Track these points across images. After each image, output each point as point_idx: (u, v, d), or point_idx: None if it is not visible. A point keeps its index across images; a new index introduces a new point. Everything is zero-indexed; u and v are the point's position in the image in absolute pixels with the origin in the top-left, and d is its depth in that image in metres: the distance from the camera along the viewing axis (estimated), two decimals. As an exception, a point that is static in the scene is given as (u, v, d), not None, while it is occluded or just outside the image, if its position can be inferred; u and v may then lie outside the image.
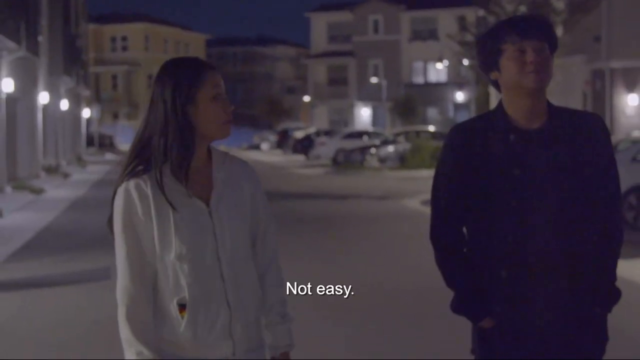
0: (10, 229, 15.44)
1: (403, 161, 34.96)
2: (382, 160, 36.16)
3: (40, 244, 13.77)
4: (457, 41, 38.07)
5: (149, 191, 2.75)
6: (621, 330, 5.88)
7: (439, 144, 35.28)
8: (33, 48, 26.90)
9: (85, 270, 10.98)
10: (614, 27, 31.26)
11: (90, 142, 58.06)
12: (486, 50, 3.09)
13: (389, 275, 10.51)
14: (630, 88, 31.65)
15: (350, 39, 65.34)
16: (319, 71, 67.41)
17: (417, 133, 40.21)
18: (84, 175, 32.85)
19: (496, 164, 3.04)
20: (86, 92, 54.62)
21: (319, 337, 7.29)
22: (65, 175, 30.93)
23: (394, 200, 21.28)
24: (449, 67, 58.93)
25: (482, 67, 3.15)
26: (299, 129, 59.39)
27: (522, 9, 30.23)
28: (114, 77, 80.00)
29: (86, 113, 53.15)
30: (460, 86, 54.94)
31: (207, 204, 2.80)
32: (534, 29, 3.03)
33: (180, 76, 2.77)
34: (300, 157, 47.27)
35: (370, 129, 50.55)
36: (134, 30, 79.74)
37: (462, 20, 40.51)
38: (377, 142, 39.83)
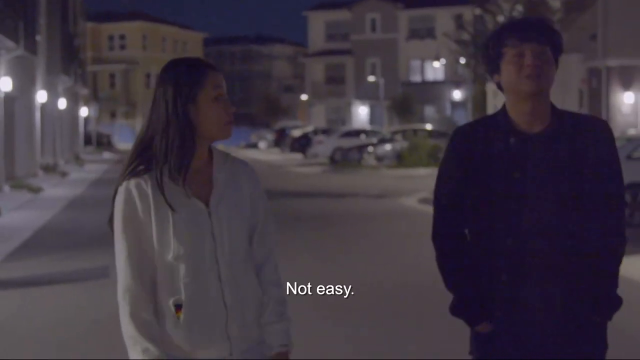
0: (8, 228, 15.42)
1: (400, 159, 34.97)
2: (380, 158, 36.16)
3: (39, 242, 13.76)
4: (454, 40, 38.14)
5: (149, 191, 2.74)
6: (621, 330, 5.89)
7: (436, 142, 35.34)
8: (31, 47, 26.87)
9: (84, 269, 10.98)
10: (609, 26, 31.29)
11: (88, 140, 57.94)
12: (490, 54, 3.10)
13: (388, 274, 10.52)
14: (626, 86, 31.69)
15: (348, 38, 65.37)
16: (316, 70, 67.41)
17: (415, 131, 40.18)
18: (82, 174, 32.80)
19: (496, 167, 3.04)
20: (84, 91, 54.53)
21: (319, 337, 7.29)
22: (63, 174, 30.90)
23: (391, 198, 21.29)
24: (446, 66, 59.01)
25: (487, 70, 3.15)
26: (296, 127, 59.26)
27: (519, 7, 30.26)
28: (112, 76, 79.84)
29: (84, 112, 53.09)
30: (457, 84, 54.95)
31: (207, 205, 2.80)
32: (534, 32, 3.02)
33: (181, 76, 2.77)
34: (298, 156, 47.18)
35: (367, 127, 50.51)
36: (132, 29, 79.59)
37: (459, 18, 40.57)
38: (374, 140, 39.77)
